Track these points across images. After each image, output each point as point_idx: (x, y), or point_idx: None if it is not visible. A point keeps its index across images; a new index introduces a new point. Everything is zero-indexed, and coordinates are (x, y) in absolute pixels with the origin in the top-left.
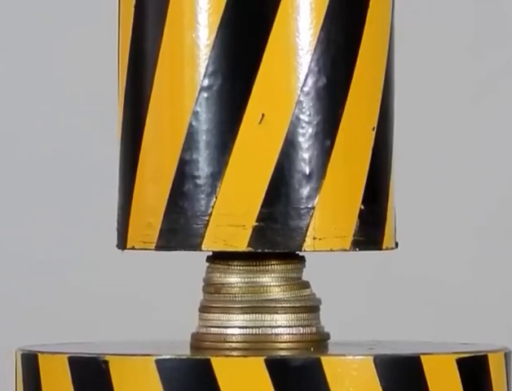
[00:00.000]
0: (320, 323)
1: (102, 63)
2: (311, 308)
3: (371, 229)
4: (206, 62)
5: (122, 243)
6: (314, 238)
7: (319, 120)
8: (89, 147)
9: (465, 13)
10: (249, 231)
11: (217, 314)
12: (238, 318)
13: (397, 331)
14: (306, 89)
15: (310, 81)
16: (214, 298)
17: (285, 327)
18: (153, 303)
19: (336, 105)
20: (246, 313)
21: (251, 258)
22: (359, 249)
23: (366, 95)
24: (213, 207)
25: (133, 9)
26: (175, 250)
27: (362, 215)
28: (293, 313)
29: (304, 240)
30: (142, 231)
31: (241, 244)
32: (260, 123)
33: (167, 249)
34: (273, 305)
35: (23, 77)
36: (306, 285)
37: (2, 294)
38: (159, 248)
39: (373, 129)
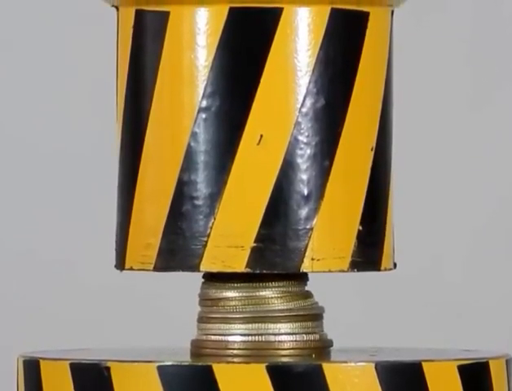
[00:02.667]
0: (322, 331)
1: (104, 64)
2: (313, 316)
3: (369, 250)
4: (205, 83)
5: (120, 264)
6: (312, 259)
7: (317, 141)
8: (89, 146)
9: (463, 23)
10: (248, 252)
11: (217, 324)
12: (240, 327)
13: (398, 336)
14: (304, 110)
15: (308, 102)
16: (213, 310)
17: (287, 334)
18: (154, 306)
19: (334, 126)
20: (248, 322)
21: (250, 275)
22: (358, 270)
23: (364, 116)
24: (211, 228)
25: (131, 29)
26: (174, 271)
27: (360, 236)
28: (295, 321)
29: (302, 261)
30: (140, 252)
31: (240, 265)
32: (258, 144)
33: (165, 270)
34: (275, 314)
35: (26, 79)
36: (308, 295)
37: (3, 294)
38: (157, 268)
39: (372, 149)
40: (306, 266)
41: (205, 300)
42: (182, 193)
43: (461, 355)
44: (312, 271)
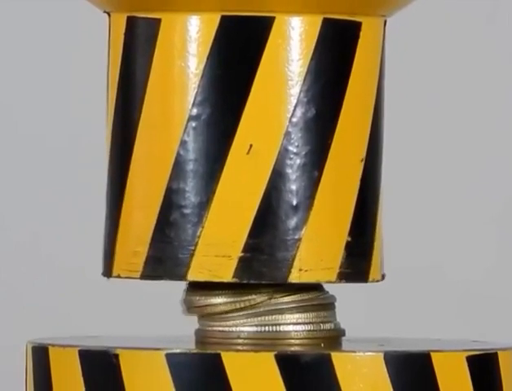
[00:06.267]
0: (335, 320)
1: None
2: (322, 306)
3: (357, 261)
4: (195, 91)
5: (108, 271)
6: (300, 269)
7: (307, 151)
8: (90, 141)
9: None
10: (235, 262)
11: (224, 322)
12: (247, 320)
13: (406, 328)
14: (294, 119)
15: (299, 112)
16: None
17: (297, 324)
18: (155, 296)
19: (324, 136)
20: (254, 316)
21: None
22: (346, 281)
23: (355, 126)
24: (199, 237)
25: (123, 36)
26: (161, 279)
27: (348, 247)
28: (304, 312)
29: (290, 272)
30: (128, 260)
31: (227, 275)
32: (248, 153)
33: (152, 278)
34: (282, 307)
35: (21, 83)
36: (315, 287)
37: (7, 287)
38: (144, 276)
39: (362, 160)
40: (293, 277)
41: (204, 307)
42: (170, 201)
43: (470, 346)
44: (300, 281)
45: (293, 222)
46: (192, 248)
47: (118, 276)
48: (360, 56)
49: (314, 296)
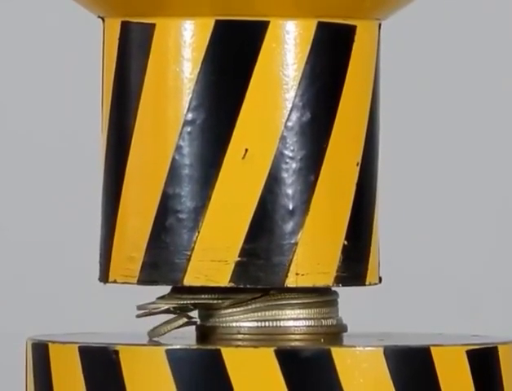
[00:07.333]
0: (337, 316)
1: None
2: (325, 303)
3: (354, 265)
4: (190, 96)
5: (104, 277)
6: (297, 274)
7: (302, 156)
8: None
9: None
10: (232, 267)
11: (224, 318)
12: (249, 315)
13: (408, 324)
14: (290, 124)
15: (294, 116)
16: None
17: (297, 319)
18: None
19: (320, 140)
20: (254, 311)
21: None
22: (342, 285)
23: (350, 130)
24: (195, 242)
25: (117, 41)
26: (157, 284)
27: (345, 251)
28: (306, 308)
29: (287, 276)
30: (124, 265)
31: (223, 280)
32: (243, 158)
33: (149, 284)
34: (283, 302)
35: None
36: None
37: (7, 286)
38: (141, 282)
39: (358, 164)
40: (290, 281)
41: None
42: (166, 207)
43: (470, 340)
44: (297, 286)
45: (289, 227)
46: (188, 253)
47: (115, 281)
48: (355, 60)
49: (316, 293)
